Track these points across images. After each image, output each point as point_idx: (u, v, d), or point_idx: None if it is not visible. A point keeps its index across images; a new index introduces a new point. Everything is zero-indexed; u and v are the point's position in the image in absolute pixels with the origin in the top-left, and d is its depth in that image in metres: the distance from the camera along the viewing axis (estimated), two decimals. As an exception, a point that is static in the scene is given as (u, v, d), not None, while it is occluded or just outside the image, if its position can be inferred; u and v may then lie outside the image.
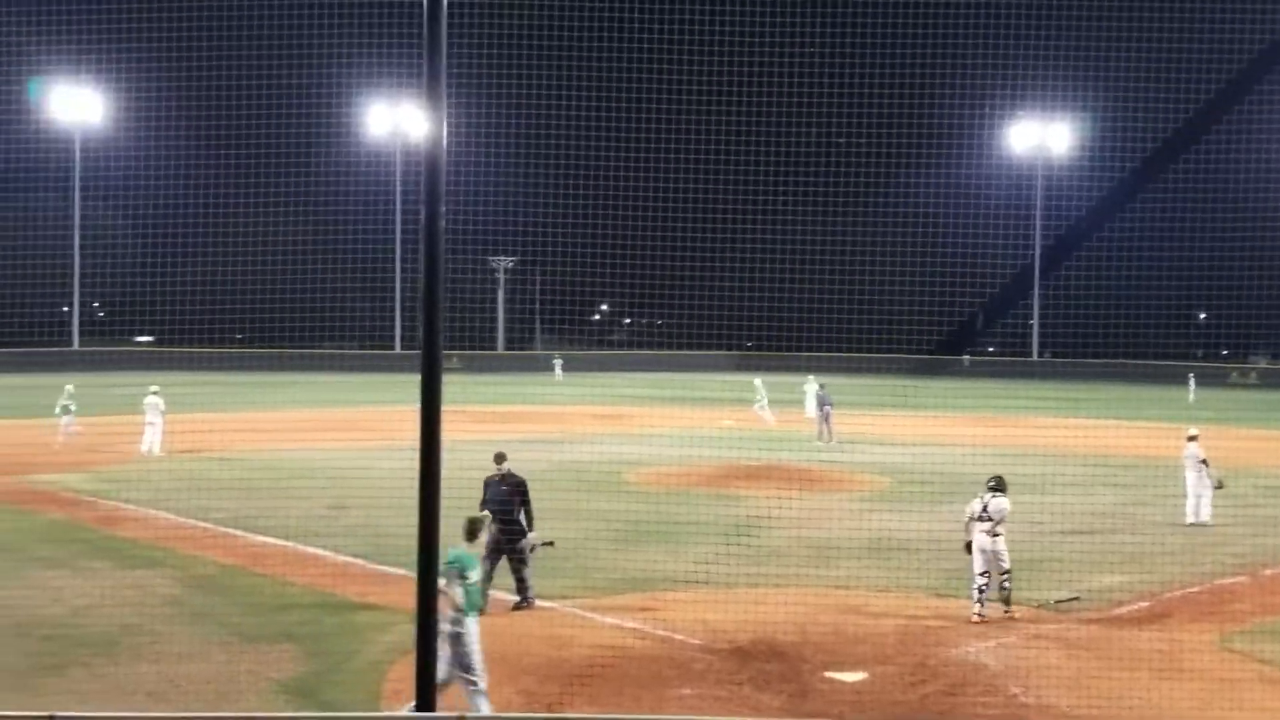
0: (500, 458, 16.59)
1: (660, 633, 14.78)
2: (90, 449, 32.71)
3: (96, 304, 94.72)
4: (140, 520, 22.63)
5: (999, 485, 16.35)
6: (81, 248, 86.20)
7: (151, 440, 33.07)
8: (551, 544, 16.44)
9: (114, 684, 12.72)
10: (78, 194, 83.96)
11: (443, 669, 10.40)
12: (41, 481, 27.53)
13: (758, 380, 45.06)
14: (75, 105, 79.80)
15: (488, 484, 16.43)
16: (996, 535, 16.01)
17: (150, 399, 33.72)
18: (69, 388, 35.58)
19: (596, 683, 12.74)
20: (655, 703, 12.23)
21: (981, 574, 15.96)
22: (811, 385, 48.36)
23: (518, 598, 16.09)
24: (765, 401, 44.29)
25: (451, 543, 14.33)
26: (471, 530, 12.22)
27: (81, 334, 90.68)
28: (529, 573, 16.15)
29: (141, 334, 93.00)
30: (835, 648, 14.37)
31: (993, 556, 15.97)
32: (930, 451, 32.58)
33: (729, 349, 73.83)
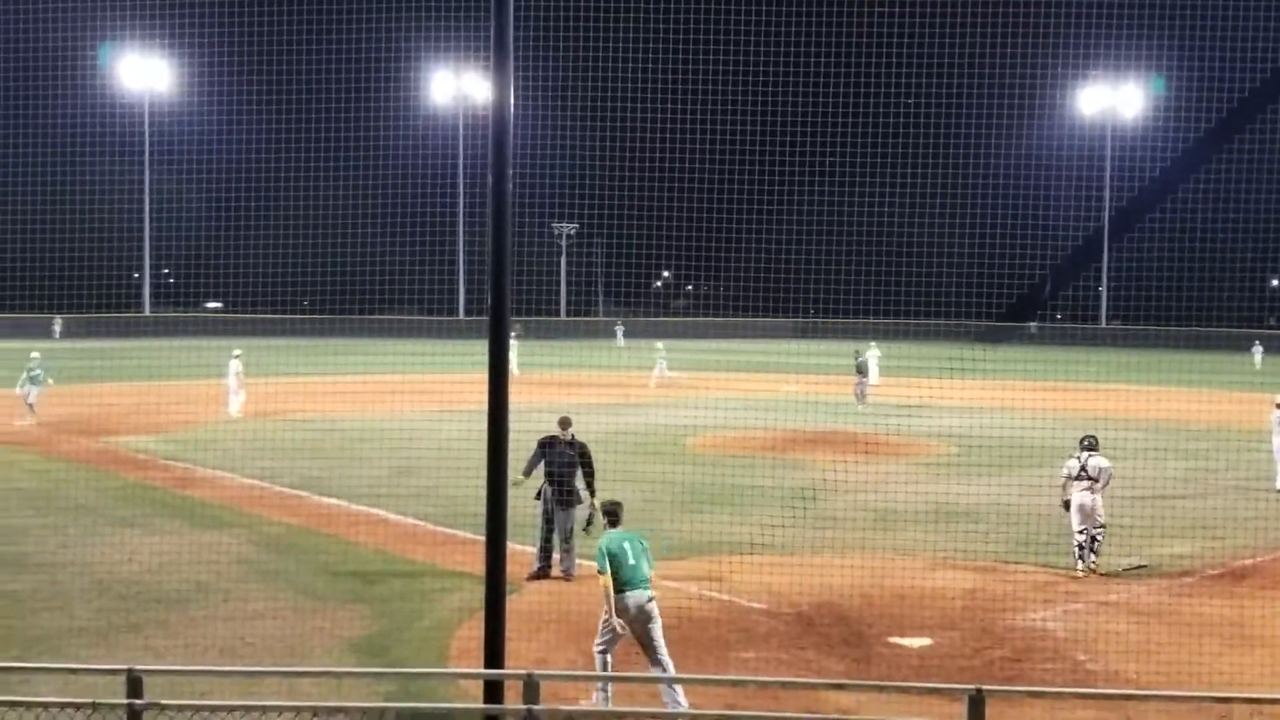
0: (565, 422, 16.44)
1: (723, 597, 14.85)
2: (163, 412, 33.39)
3: (166, 270, 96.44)
4: (212, 482, 23.11)
5: (1093, 444, 16.87)
6: (152, 215, 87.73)
7: (236, 403, 33.78)
8: (588, 530, 15.48)
9: (188, 641, 13.04)
10: (148, 161, 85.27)
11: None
12: (118, 443, 28.20)
13: (660, 344, 43.31)
14: (145, 72, 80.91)
15: (546, 446, 16.41)
16: (1095, 493, 16.50)
17: (233, 363, 34.39)
18: (35, 355, 34.42)
19: (660, 645, 12.83)
20: (718, 665, 12.32)
21: (1080, 531, 16.49)
22: (874, 352, 48.06)
23: (555, 563, 16.02)
24: (664, 366, 42.07)
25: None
26: (613, 514, 11.87)
27: (152, 300, 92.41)
28: (576, 544, 15.92)
29: (210, 300, 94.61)
30: (899, 613, 14.36)
31: (1091, 513, 16.44)
32: (996, 418, 32.24)
33: (791, 315, 73.52)
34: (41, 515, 19.76)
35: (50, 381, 33.81)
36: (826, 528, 18.52)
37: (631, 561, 11.13)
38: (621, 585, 11.01)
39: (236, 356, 34.64)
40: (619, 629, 10.99)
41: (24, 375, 33.16)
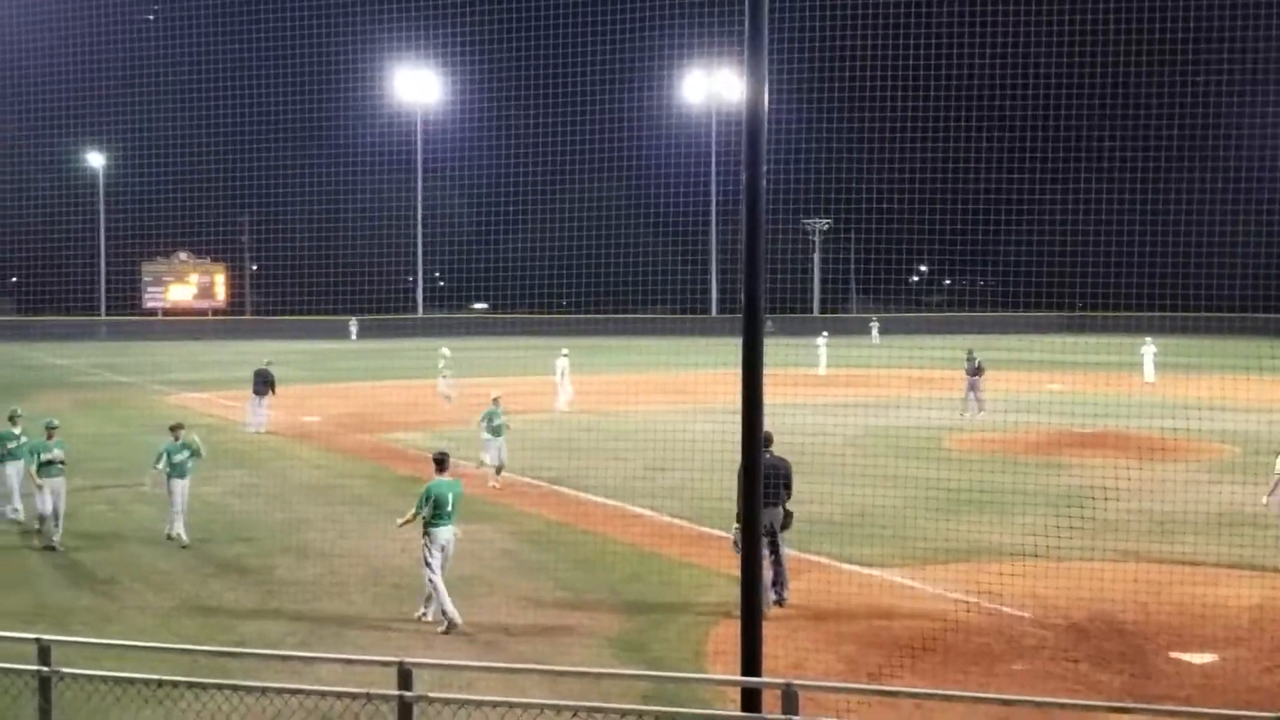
0: (767, 439, 14.17)
1: (987, 605, 14.26)
2: (432, 410, 34.96)
3: (437, 274, 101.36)
4: (476, 477, 23.99)
5: None
6: (423, 222, 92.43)
7: (567, 397, 35.17)
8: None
9: (454, 633, 13.53)
10: (419, 170, 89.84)
11: None
12: (393, 440, 29.72)
13: (445, 349, 39.52)
14: (417, 86, 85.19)
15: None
16: None
17: (561, 360, 35.87)
18: (445, 350, 37.92)
19: (921, 653, 12.43)
20: (984, 677, 11.82)
21: None
22: (1149, 348, 45.33)
23: (772, 599, 14.07)
24: (448, 376, 37.57)
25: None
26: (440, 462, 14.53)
27: (425, 302, 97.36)
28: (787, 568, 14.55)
29: (477, 301, 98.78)
30: (1181, 627, 13.42)
31: None
32: (1287, 419, 29.84)
33: (1057, 309, 70.38)
34: (322, 506, 21.02)
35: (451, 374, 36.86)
36: (1098, 535, 17.54)
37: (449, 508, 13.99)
38: (437, 522, 13.87)
39: (564, 355, 36.05)
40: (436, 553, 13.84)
41: (441, 365, 36.69)
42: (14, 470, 19.52)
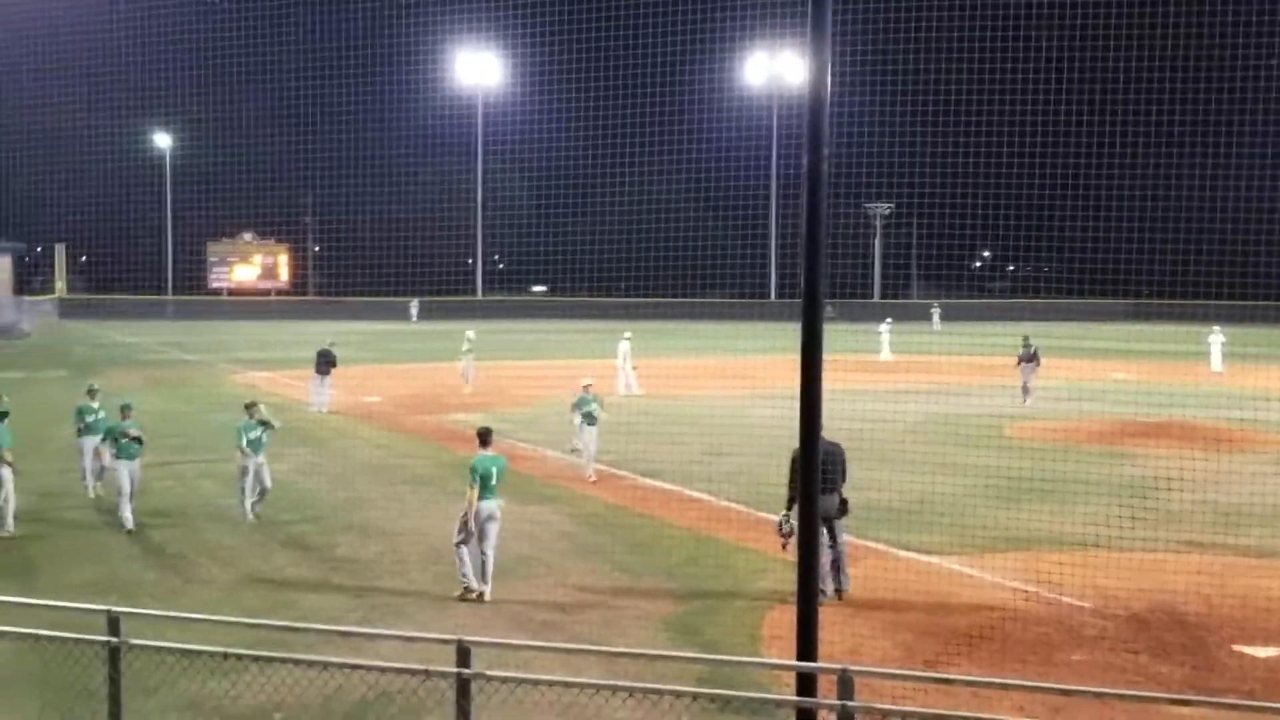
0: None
1: (1046, 594, 14.14)
2: (492, 390, 35.22)
3: (496, 256, 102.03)
4: (536, 459, 24.17)
5: None
6: (483, 204, 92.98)
7: (628, 382, 35.34)
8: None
9: (511, 611, 13.69)
10: (479, 154, 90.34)
11: None
12: (452, 421, 29.99)
13: (470, 332, 38.90)
14: (478, 70, 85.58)
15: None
16: None
17: (623, 344, 36.05)
18: (470, 334, 38.25)
19: (979, 642, 12.37)
20: (1042, 667, 11.73)
21: None
22: (1217, 337, 44.56)
23: (832, 589, 13.77)
24: (469, 358, 37.29)
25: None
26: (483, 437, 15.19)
27: (484, 284, 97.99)
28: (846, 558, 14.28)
29: (536, 284, 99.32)
30: (1245, 620, 13.22)
31: None
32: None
33: (1122, 297, 69.34)
34: (384, 486, 21.29)
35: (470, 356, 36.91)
36: (1161, 525, 17.31)
37: (493, 482, 14.39)
38: (480, 495, 14.29)
39: (627, 339, 36.21)
40: (471, 527, 14.23)
41: (465, 349, 36.74)
42: (90, 445, 19.90)
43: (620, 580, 15.01)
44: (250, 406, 18.83)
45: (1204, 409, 26.54)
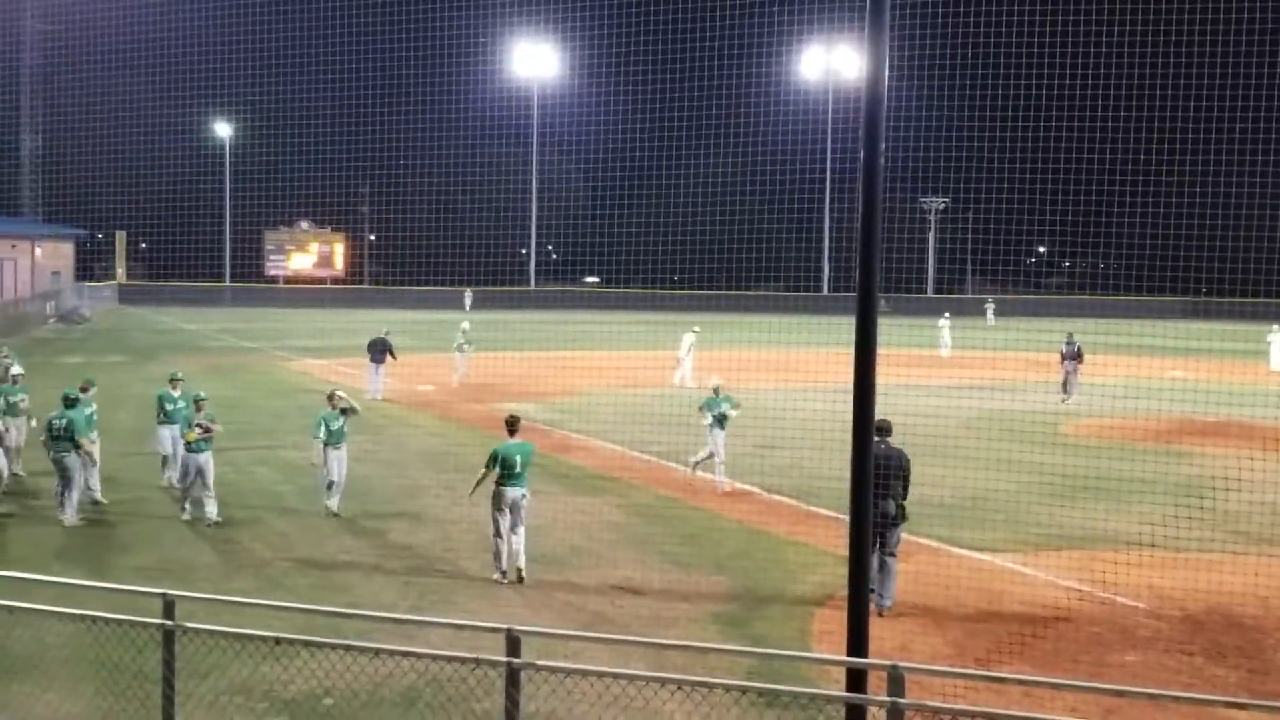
0: (884, 429, 13.52)
1: (1101, 594, 13.97)
2: (548, 380, 35.34)
3: (550, 247, 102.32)
4: (588, 449, 24.24)
5: None
6: (537, 195, 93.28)
7: (683, 373, 35.48)
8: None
9: (562, 602, 13.75)
10: (535, 144, 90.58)
11: None
12: (506, 410, 30.09)
13: (465, 324, 38.35)
14: (534, 60, 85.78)
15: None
16: None
17: (688, 336, 36.17)
18: (465, 325, 38.02)
19: (1031, 641, 12.26)
20: (1095, 667, 11.60)
21: None
22: (1277, 336, 43.73)
23: (880, 597, 13.14)
24: (466, 348, 36.79)
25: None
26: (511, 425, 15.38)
27: (537, 275, 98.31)
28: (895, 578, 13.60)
29: (589, 275, 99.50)
30: (1304, 625, 12.99)
31: None
32: None
33: (1180, 294, 68.20)
34: (437, 473, 21.43)
35: (470, 349, 36.99)
36: (1219, 526, 17.05)
37: (518, 469, 14.72)
38: (506, 482, 14.63)
39: (695, 331, 36.54)
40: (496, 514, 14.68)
41: (459, 341, 36.82)
42: (169, 434, 19.63)
43: (670, 572, 15.03)
44: (331, 396, 18.48)
45: (1263, 408, 26.05)
